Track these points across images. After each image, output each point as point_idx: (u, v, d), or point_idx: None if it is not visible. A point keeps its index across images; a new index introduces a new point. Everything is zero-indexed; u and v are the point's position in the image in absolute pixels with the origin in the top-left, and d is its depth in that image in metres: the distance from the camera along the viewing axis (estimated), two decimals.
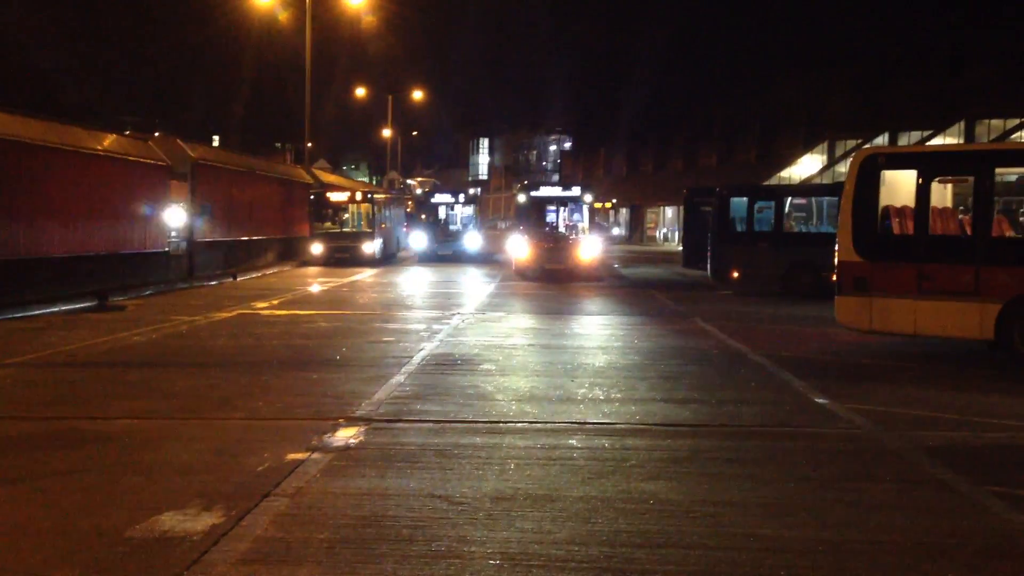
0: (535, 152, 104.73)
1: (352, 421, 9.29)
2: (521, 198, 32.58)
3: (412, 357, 13.40)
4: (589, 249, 29.61)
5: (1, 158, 20.58)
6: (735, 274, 24.40)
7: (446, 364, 12.91)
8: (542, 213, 32.28)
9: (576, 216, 32.55)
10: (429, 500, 6.78)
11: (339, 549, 5.79)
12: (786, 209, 24.93)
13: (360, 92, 53.15)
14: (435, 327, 17.15)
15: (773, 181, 58.47)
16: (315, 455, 7.98)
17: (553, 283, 27.60)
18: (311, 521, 6.29)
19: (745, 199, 25.16)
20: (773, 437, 8.94)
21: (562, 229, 31.97)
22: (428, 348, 14.34)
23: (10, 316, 18.20)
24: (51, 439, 8.60)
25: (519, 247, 30.22)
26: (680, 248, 35.78)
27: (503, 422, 9.40)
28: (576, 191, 32.46)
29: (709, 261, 25.51)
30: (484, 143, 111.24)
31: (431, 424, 9.30)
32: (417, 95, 52.72)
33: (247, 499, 6.70)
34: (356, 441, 8.53)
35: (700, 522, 6.41)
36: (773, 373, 12.46)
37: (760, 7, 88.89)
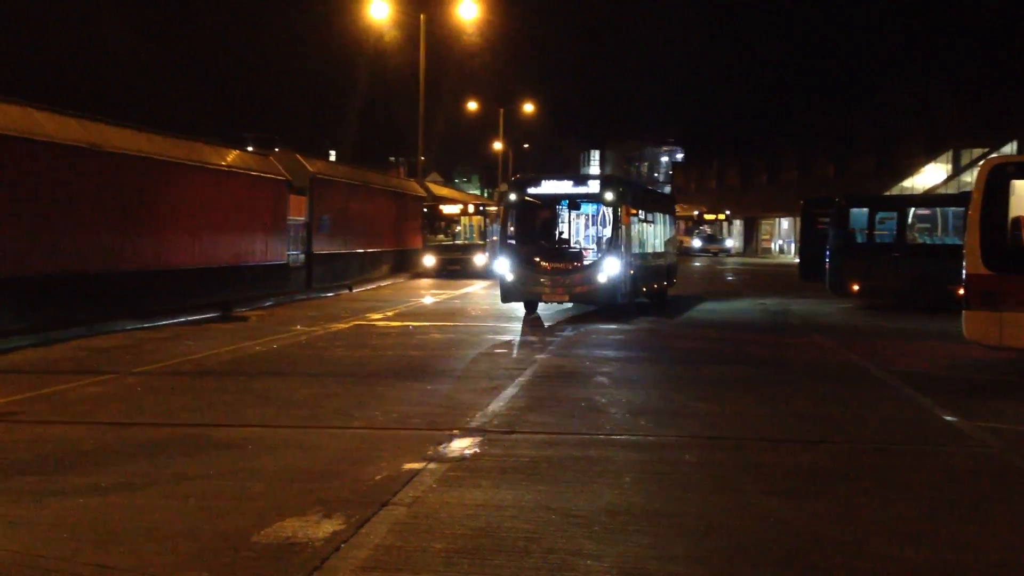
0: (646, 163, 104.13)
1: (467, 432, 9.36)
2: (512, 197, 21.40)
3: (525, 369, 13.44)
4: (610, 271, 20.17)
5: (130, 174, 21.45)
6: (854, 287, 23.74)
7: (559, 376, 12.91)
8: (545, 220, 22.23)
9: (597, 225, 23.55)
10: (544, 512, 6.77)
11: (456, 559, 5.84)
12: (909, 220, 24.18)
13: (472, 106, 53.78)
14: (547, 339, 17.18)
15: (894, 191, 56.80)
16: (431, 465, 8.07)
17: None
18: (428, 531, 6.35)
19: (866, 210, 24.48)
20: (897, 455, 8.66)
21: (578, 243, 23.25)
22: (541, 360, 14.37)
23: (140, 326, 18.94)
24: (179, 445, 8.90)
25: (505, 269, 20.71)
26: (796, 260, 34.92)
27: (616, 435, 9.34)
28: (594, 187, 21.99)
29: (827, 273, 24.87)
30: (595, 155, 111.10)
31: (545, 436, 9.31)
32: (528, 107, 53.04)
33: (366, 507, 6.81)
34: (471, 452, 8.59)
35: (821, 541, 6.25)
36: (896, 389, 12.09)
37: (875, 11, 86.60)
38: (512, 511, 6.80)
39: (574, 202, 22.24)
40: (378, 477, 7.67)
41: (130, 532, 6.30)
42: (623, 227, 20.69)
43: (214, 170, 25.80)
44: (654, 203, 26.71)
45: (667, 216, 27.80)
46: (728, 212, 68.30)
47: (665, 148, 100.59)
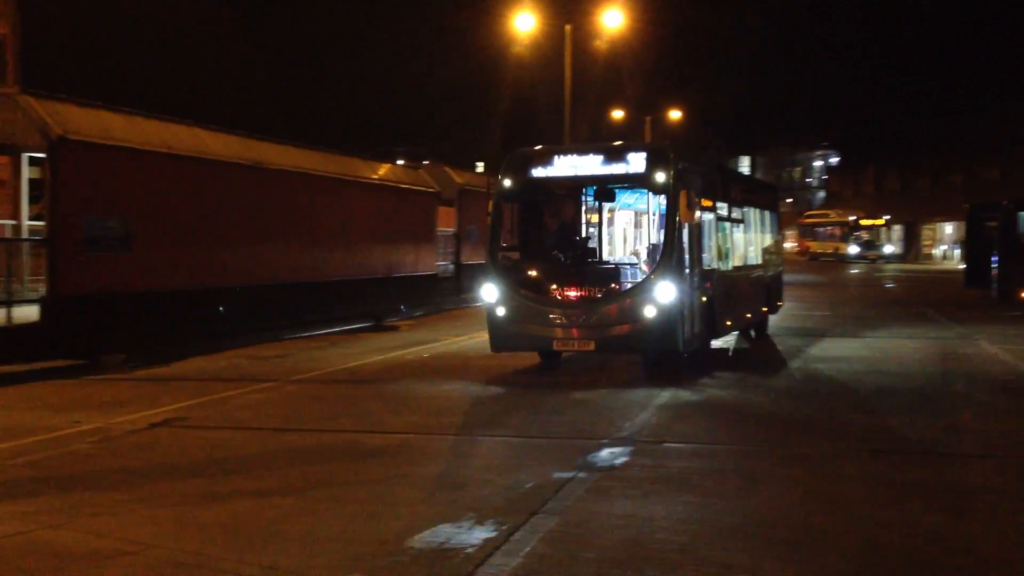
0: (799, 168, 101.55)
1: (616, 441, 9.29)
2: (507, 184, 13.99)
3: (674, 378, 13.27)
4: (665, 300, 12.74)
5: (288, 189, 22.27)
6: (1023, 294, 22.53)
7: (709, 385, 12.70)
8: (560, 219, 15.47)
9: (646, 225, 17.16)
10: (696, 524, 6.66)
11: (607, 570, 5.79)
12: None
13: (617, 114, 53.64)
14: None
15: None
16: (581, 474, 8.04)
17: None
18: (579, 540, 6.33)
19: None
20: None
21: (612, 255, 16.58)
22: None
23: (296, 336, 19.64)
24: (335, 451, 9.17)
25: (495, 298, 13.55)
26: (961, 267, 33.36)
27: (769, 445, 9.11)
28: (637, 162, 13.55)
29: (995, 280, 23.69)
30: (745, 160, 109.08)
31: (695, 446, 9.16)
32: (675, 114, 52.48)
33: (517, 515, 6.84)
34: (621, 461, 8.52)
35: (985, 563, 5.93)
36: None
37: None
38: (663, 522, 6.71)
39: (605, 189, 14.39)
40: (528, 485, 7.70)
41: (292, 534, 6.51)
42: (686, 228, 13.23)
43: (367, 184, 26.53)
44: (743, 192, 18.02)
45: (765, 213, 19.39)
46: (887, 217, 65.85)
47: (819, 152, 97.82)
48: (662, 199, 14.09)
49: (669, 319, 12.75)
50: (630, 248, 17.59)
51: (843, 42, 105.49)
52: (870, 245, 64.62)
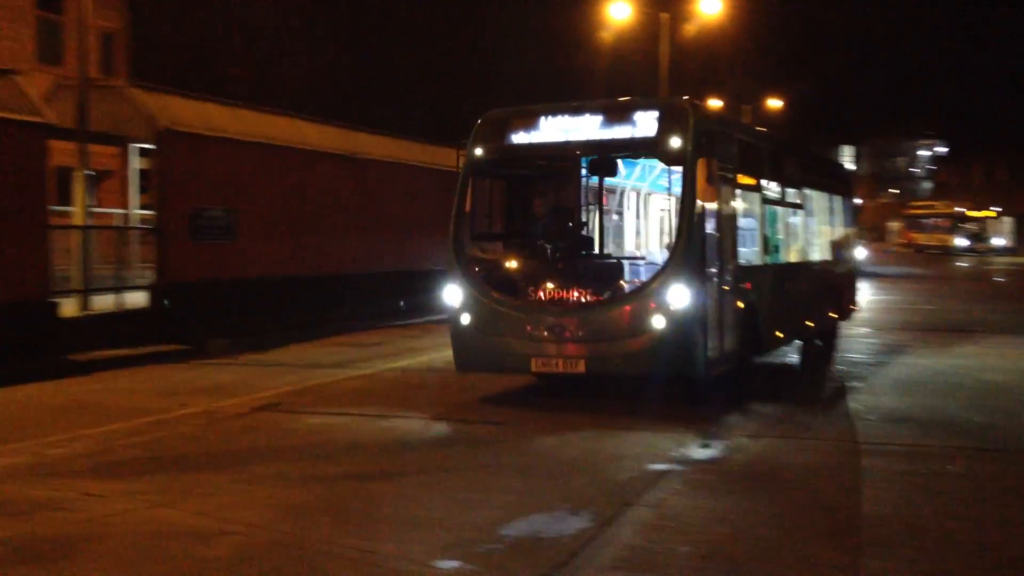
0: (904, 159, 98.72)
1: (713, 435, 9.15)
2: (478, 153, 11.03)
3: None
4: (680, 304, 9.71)
5: (383, 177, 22.47)
6: None
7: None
8: (543, 199, 13.23)
9: (663, 209, 14.38)
10: (795, 519, 6.52)
11: (703, 564, 5.71)
12: None
13: (716, 103, 52.89)
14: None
15: None
16: (677, 467, 7.95)
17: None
18: (675, 532, 6.25)
19: None
20: None
21: (618, 247, 13.62)
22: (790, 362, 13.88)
23: (393, 324, 19.98)
24: (432, 437, 9.25)
25: (460, 301, 10.72)
26: None
27: (871, 443, 8.87)
28: (646, 124, 10.39)
29: None
30: (848, 150, 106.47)
31: (794, 440, 8.99)
32: (774, 103, 51.47)
33: (612, 506, 6.80)
34: (718, 455, 8.40)
35: None
36: None
37: None
38: (759, 515, 6.58)
39: (605, 159, 11.56)
40: (624, 477, 7.64)
41: (389, 519, 6.59)
42: (715, 211, 10.37)
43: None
44: (804, 171, 14.49)
45: (835, 198, 15.84)
46: (998, 209, 63.62)
47: (924, 142, 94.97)
48: (677, 171, 10.62)
49: (685, 332, 9.69)
50: (663, 241, 14.10)
51: (952, 29, 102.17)
52: (978, 237, 62.53)
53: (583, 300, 10.43)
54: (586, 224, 12.47)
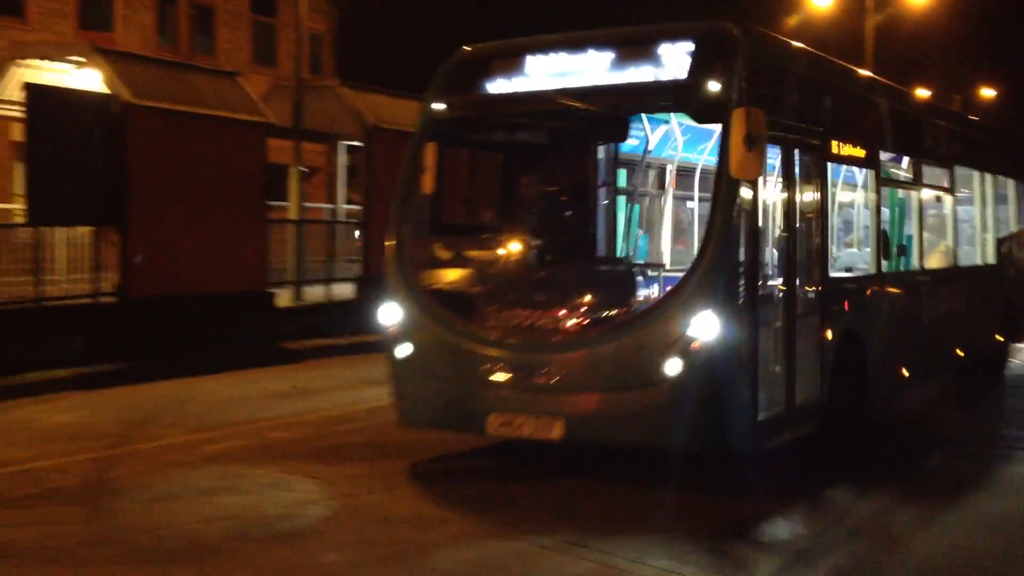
0: None
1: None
2: (438, 108, 7.77)
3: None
4: (710, 335, 6.25)
5: None
6: None
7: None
8: (527, 175, 9.20)
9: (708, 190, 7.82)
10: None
11: None
12: None
13: (922, 93, 50.46)
14: None
15: None
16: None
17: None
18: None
19: None
20: None
21: (628, 245, 9.27)
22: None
23: None
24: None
25: (399, 322, 7.32)
26: None
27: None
28: (675, 61, 6.85)
29: None
30: None
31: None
32: (988, 92, 48.29)
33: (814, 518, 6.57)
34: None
35: None
36: None
37: None
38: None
39: (614, 116, 8.22)
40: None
41: (593, 515, 6.59)
42: (773, 194, 7.58)
43: None
44: (941, 138, 10.69)
45: (999, 179, 12.32)
46: None
47: None
48: (716, 131, 7.28)
49: (714, 380, 6.38)
50: (661, 235, 9.92)
51: None
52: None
53: (565, 327, 7.04)
54: (590, 213, 9.03)
